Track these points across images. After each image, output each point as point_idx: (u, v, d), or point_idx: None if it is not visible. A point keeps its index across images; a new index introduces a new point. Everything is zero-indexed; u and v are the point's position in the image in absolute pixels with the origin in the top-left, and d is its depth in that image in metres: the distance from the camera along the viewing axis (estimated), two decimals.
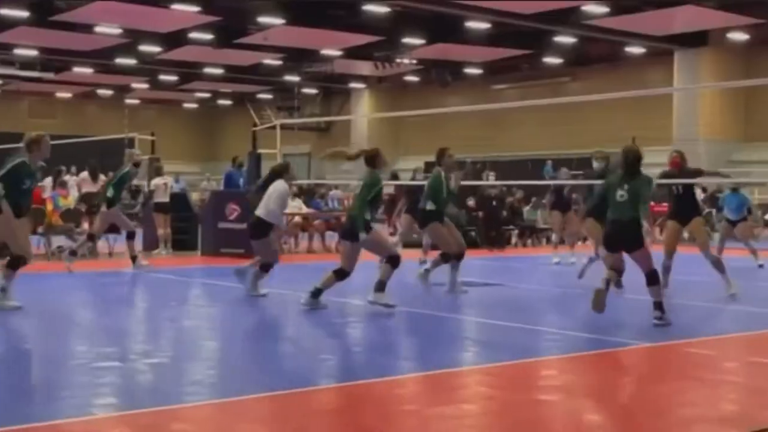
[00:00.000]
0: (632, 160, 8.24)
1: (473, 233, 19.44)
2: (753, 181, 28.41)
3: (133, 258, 12.98)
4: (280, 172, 9.99)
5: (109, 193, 12.96)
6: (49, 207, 14.95)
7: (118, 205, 13.26)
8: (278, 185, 9.80)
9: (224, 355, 6.91)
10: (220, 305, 9.75)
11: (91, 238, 13.47)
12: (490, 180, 20.22)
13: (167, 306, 9.77)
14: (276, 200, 9.73)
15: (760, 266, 14.45)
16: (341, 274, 8.81)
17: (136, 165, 13.74)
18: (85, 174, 18.45)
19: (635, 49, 30.32)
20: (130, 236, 13.28)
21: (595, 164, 11.71)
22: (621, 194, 8.07)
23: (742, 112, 30.27)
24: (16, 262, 8.51)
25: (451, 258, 10.45)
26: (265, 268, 9.88)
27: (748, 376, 6.23)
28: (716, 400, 5.42)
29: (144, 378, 5.96)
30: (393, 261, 8.85)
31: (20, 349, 7.14)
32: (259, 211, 9.77)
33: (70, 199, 16.00)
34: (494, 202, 19.45)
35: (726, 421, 4.90)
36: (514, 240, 20.23)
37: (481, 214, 19.45)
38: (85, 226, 15.53)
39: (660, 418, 4.95)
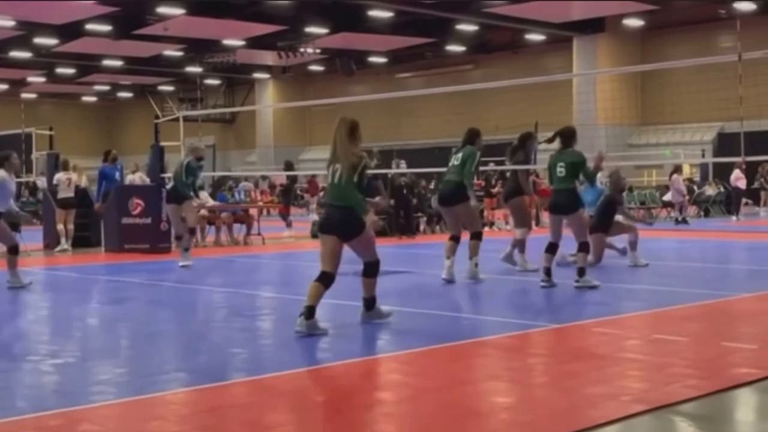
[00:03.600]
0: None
1: (382, 222, 19.57)
2: (649, 163, 29.35)
3: None
4: (1, 161, 10.27)
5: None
6: None
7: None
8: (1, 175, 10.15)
9: (133, 353, 6.77)
10: (125, 302, 9.55)
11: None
12: (401, 168, 20.31)
13: (72, 305, 9.52)
14: (3, 189, 10.12)
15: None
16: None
17: (199, 159, 13.19)
18: None
19: (535, 36, 30.90)
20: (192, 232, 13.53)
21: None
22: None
23: (639, 97, 31.21)
24: None
25: None
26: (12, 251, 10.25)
27: (651, 353, 6.42)
28: (622, 377, 5.58)
29: (49, 379, 5.79)
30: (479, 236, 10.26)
31: None
32: None
33: None
34: (404, 190, 19.58)
35: (634, 398, 5.05)
36: (422, 227, 20.42)
37: (392, 201, 19.55)
38: None
39: (568, 396, 5.07)
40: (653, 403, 4.80)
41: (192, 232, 13.55)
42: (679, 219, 23.64)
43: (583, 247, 9.52)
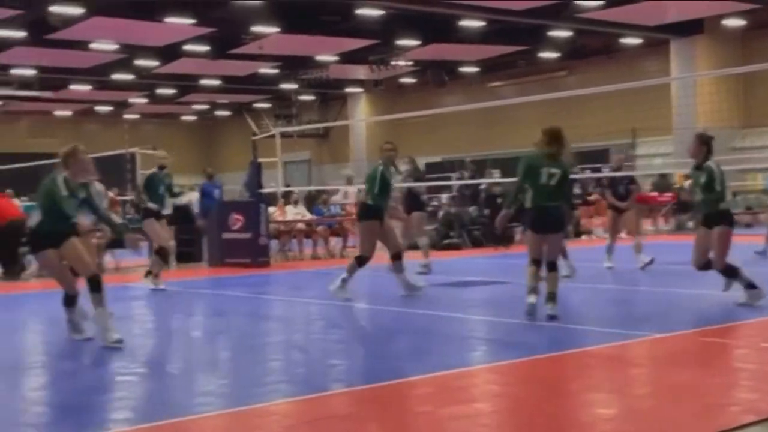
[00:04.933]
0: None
1: (476, 232, 19.49)
2: (755, 167, 28.40)
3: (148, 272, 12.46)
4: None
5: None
6: None
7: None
8: None
9: (235, 365, 6.91)
10: (227, 315, 9.75)
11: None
12: (495, 177, 20.21)
13: (176, 318, 9.77)
14: None
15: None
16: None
17: (162, 168, 12.68)
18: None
19: (631, 40, 30.30)
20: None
21: None
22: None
23: (741, 99, 30.22)
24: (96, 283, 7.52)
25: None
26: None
27: (763, 363, 6.21)
28: (731, 387, 5.41)
29: (156, 390, 5.96)
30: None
31: (38, 364, 7.12)
32: None
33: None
34: (499, 200, 19.45)
35: (744, 409, 4.89)
36: (518, 237, 20.23)
37: (487, 211, 19.47)
38: (93, 242, 15.49)
39: (674, 407, 4.94)
40: (765, 414, 4.64)
41: (159, 252, 12.24)
42: None
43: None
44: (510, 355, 6.59)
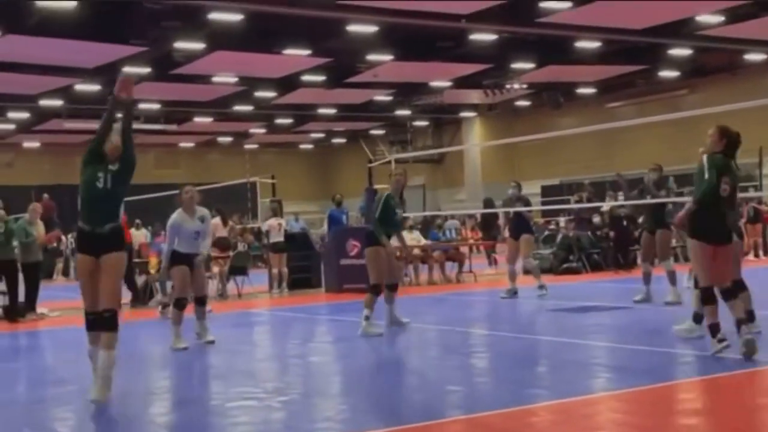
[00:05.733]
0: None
1: (596, 255, 19.09)
2: None
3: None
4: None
5: None
6: (153, 259, 14.67)
7: None
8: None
9: (354, 390, 6.95)
10: (345, 340, 9.84)
11: None
12: (619, 200, 19.78)
13: (293, 343, 9.93)
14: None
15: None
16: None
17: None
18: (217, 219, 18.95)
19: (755, 56, 29.26)
20: None
21: (652, 176, 11.87)
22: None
23: None
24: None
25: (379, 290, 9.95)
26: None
27: None
28: None
29: (277, 416, 6.06)
30: None
31: (158, 390, 7.36)
32: None
33: None
34: (625, 222, 19.00)
35: None
36: (639, 260, 19.71)
37: (611, 234, 19.06)
38: (215, 269, 15.97)
39: None
40: None
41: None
42: None
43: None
44: (633, 383, 6.41)
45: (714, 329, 7.21)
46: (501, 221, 15.46)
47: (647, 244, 11.87)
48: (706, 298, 7.25)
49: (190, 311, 9.48)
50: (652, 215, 12.03)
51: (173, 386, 7.60)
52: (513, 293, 13.45)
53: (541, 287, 13.33)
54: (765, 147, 27.91)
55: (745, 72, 30.95)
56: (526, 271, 13.87)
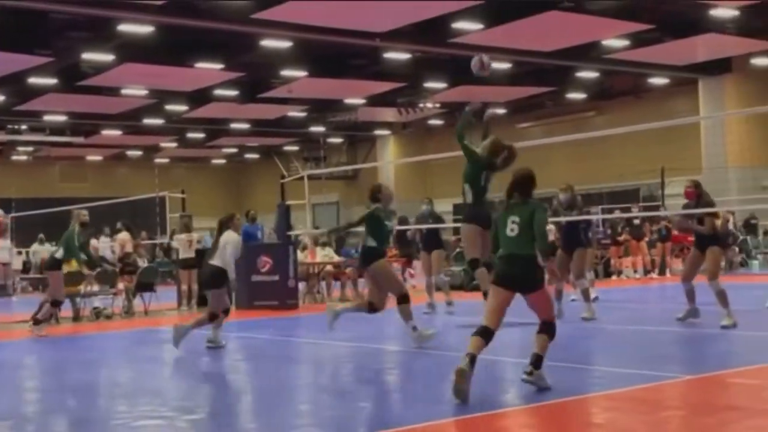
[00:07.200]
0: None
1: None
2: None
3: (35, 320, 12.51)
4: (227, 222, 10.33)
5: (59, 254, 12.71)
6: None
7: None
8: (229, 236, 10.14)
9: (263, 408, 6.87)
10: (255, 358, 9.73)
11: (56, 303, 12.82)
12: None
13: (203, 361, 9.77)
14: (231, 251, 10.07)
15: None
16: None
17: (83, 225, 13.26)
18: (125, 234, 18.53)
19: (659, 80, 30.27)
20: (55, 303, 12.75)
21: (562, 196, 12.12)
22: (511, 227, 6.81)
23: None
24: None
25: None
26: (212, 317, 10.09)
27: None
28: (764, 430, 5.30)
29: None
30: None
31: (60, 409, 7.14)
32: (217, 261, 10.06)
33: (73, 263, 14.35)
34: None
35: None
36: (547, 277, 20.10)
37: None
38: (120, 286, 15.63)
39: None
40: None
41: (54, 304, 12.75)
42: None
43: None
44: (542, 398, 6.50)
45: None
46: (410, 235, 15.65)
47: (562, 263, 11.93)
48: None
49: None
50: (565, 235, 12.25)
51: (75, 406, 7.38)
52: (433, 308, 13.49)
53: (449, 304, 13.47)
54: (668, 168, 28.86)
55: (648, 95, 31.98)
56: (438, 288, 14.03)
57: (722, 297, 10.04)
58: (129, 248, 17.71)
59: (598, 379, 7.49)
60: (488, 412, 6.13)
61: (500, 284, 6.66)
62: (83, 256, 13.18)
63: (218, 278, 10.05)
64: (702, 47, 25.14)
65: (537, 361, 6.61)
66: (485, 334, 6.53)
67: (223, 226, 10.28)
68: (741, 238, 22.29)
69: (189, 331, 9.99)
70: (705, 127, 29.24)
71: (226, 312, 10.38)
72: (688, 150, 29.05)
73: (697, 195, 10.67)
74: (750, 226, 25.83)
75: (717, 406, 6.06)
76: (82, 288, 14.69)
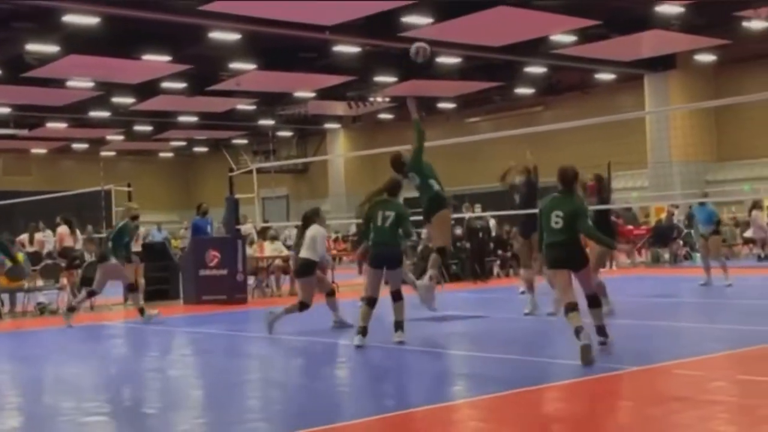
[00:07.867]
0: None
1: (455, 266, 19.48)
2: (728, 199, 28.68)
3: (141, 310, 12.71)
4: (312, 216, 10.90)
5: (108, 246, 12.77)
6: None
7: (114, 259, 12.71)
8: (316, 229, 10.63)
9: (213, 403, 6.83)
10: (205, 353, 9.66)
11: (92, 293, 13.17)
12: (476, 212, 20.26)
13: (151, 356, 9.67)
14: (321, 242, 10.60)
15: (729, 286, 14.33)
16: None
17: (134, 219, 13.73)
18: (64, 228, 18.26)
19: (605, 76, 30.66)
20: (131, 288, 13.19)
21: (518, 179, 12.15)
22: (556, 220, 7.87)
23: (714, 133, 30.60)
24: None
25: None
26: (302, 307, 10.39)
27: (738, 395, 6.22)
28: (708, 420, 5.41)
29: (134, 430, 5.88)
30: None
31: (6, 407, 7.01)
32: (306, 253, 10.49)
33: (20, 256, 14.05)
34: (481, 234, 19.51)
35: None
36: (496, 271, 20.29)
37: (468, 245, 19.48)
38: (64, 281, 15.36)
39: None
40: None
41: (131, 288, 13.26)
42: (762, 256, 23.02)
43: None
44: (488, 390, 6.55)
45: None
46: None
47: (524, 248, 11.56)
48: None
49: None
50: (525, 219, 11.68)
51: (21, 403, 7.25)
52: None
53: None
54: (614, 162, 29.27)
55: (595, 90, 32.39)
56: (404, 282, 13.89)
57: (600, 289, 10.19)
58: (68, 242, 17.45)
59: (547, 371, 7.58)
60: (436, 404, 6.16)
61: (557, 267, 7.94)
62: (123, 252, 12.95)
63: (307, 269, 10.45)
64: (647, 43, 25.54)
65: (603, 330, 8.10)
66: (578, 307, 7.64)
67: (308, 220, 10.84)
68: (685, 231, 22.68)
69: (281, 317, 10.33)
70: (650, 123, 29.72)
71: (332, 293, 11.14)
72: (634, 145, 29.50)
73: (598, 190, 10.63)
74: (690, 218, 26.28)
75: (664, 396, 6.17)
76: (25, 283, 14.43)
